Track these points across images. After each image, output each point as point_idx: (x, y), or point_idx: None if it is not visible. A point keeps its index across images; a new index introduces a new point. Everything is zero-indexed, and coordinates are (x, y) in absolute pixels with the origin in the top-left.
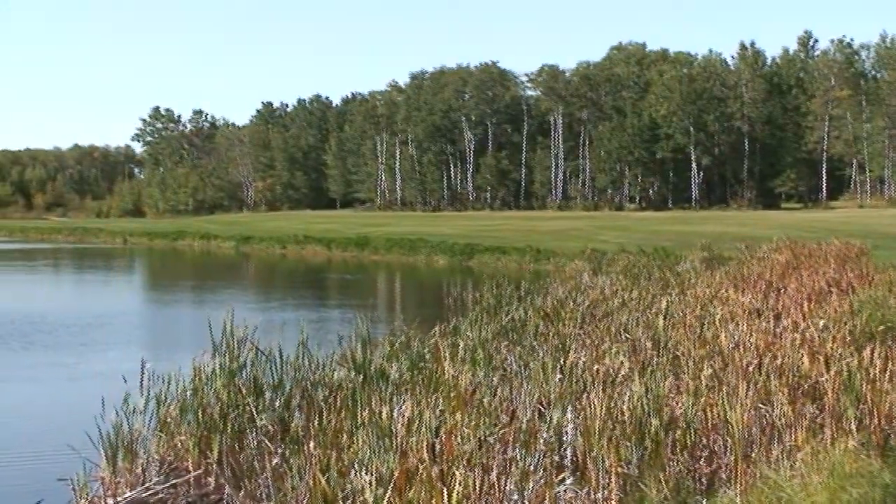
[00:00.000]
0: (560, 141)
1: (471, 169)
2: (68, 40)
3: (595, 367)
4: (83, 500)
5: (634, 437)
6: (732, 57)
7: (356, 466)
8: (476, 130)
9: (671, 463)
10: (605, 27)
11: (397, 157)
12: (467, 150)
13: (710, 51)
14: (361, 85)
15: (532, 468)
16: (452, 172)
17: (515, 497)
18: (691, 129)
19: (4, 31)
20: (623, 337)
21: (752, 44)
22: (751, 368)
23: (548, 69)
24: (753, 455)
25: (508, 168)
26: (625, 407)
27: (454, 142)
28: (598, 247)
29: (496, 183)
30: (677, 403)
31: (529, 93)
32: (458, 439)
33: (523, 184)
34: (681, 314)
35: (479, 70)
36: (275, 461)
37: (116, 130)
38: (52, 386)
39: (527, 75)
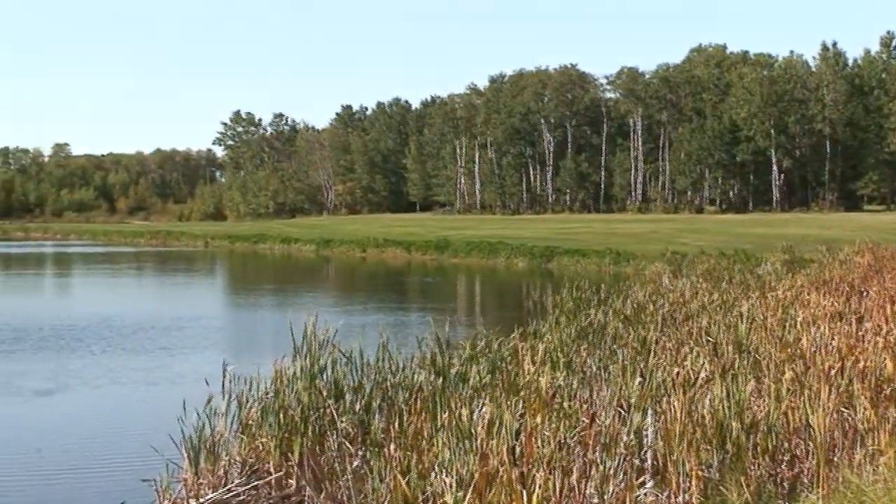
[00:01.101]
0: (639, 143)
1: (550, 171)
2: (149, 44)
3: (675, 371)
4: (166, 501)
5: (715, 440)
6: (814, 58)
7: (436, 469)
8: (555, 133)
9: (752, 467)
10: (684, 29)
11: (476, 160)
12: (546, 152)
13: (791, 52)
14: (440, 88)
15: (612, 471)
16: (532, 175)
17: (595, 500)
18: (772, 131)
19: (86, 36)
20: (703, 340)
21: (834, 44)
22: (833, 372)
23: (627, 71)
24: (836, 459)
25: (588, 170)
26: (705, 410)
27: (533, 144)
28: (678, 249)
29: (575, 185)
30: (758, 407)
31: (609, 95)
32: (538, 442)
33: (602, 186)
34: (762, 317)
35: (558, 72)
36: (355, 463)
37: (198, 134)
38: (134, 389)
39: (606, 77)
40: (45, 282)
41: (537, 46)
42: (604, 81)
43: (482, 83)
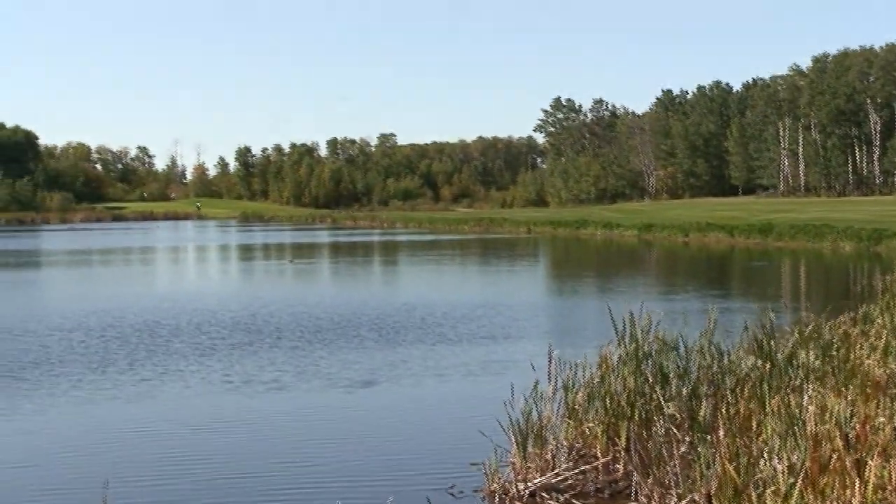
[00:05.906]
0: None
1: (877, 152)
2: (470, 35)
3: None
4: (494, 485)
5: None
6: None
7: (765, 455)
8: (882, 113)
9: None
10: None
11: (800, 141)
12: (873, 132)
13: None
14: (762, 70)
15: None
16: (858, 156)
17: None
18: None
19: (412, 32)
20: None
21: None
22: None
23: None
24: None
25: None
26: None
27: (859, 125)
28: None
29: None
30: None
31: None
32: (872, 429)
33: None
34: None
35: (885, 50)
36: (682, 449)
37: (519, 121)
38: (459, 377)
39: None
40: (370, 270)
41: (862, 24)
42: None
43: (805, 63)
